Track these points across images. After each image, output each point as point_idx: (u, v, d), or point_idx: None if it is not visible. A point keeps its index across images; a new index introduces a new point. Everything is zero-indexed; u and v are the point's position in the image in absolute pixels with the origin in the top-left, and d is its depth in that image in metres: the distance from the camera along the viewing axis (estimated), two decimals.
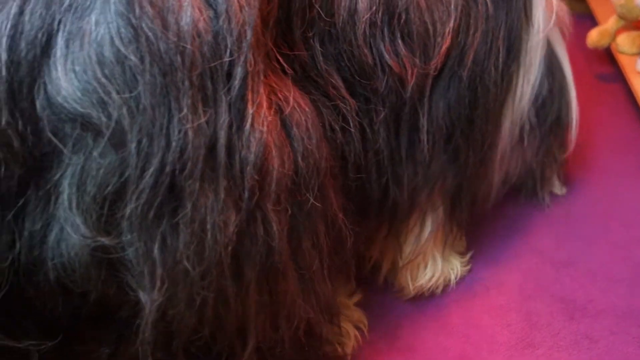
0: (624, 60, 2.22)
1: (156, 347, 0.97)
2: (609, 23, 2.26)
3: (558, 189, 1.90)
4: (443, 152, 1.33)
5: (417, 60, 1.21)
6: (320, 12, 1.10)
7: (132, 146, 0.84)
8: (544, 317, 1.57)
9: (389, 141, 1.25)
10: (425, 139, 1.28)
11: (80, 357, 1.01)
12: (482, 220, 1.75)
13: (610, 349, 1.49)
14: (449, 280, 1.63)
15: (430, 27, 1.22)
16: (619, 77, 2.36)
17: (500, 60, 1.34)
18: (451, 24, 1.24)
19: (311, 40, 1.11)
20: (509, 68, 1.39)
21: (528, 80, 1.49)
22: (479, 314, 1.58)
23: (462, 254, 1.68)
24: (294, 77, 1.07)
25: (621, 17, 2.21)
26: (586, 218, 1.86)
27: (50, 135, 0.83)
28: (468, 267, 1.68)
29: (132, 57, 0.83)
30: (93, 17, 0.83)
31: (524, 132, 1.57)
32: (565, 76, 1.63)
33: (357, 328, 1.48)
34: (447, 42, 1.24)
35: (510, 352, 1.50)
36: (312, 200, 1.03)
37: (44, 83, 0.83)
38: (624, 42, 2.24)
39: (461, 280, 1.66)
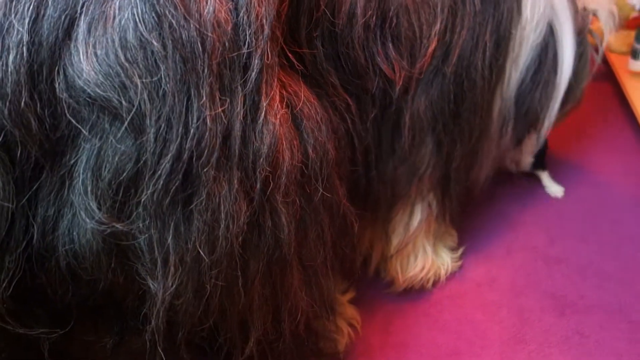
0: (615, 59, 2.24)
1: (162, 337, 0.95)
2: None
3: (554, 190, 1.93)
4: (425, 145, 1.35)
5: (405, 63, 1.23)
6: (327, 12, 1.10)
7: (151, 131, 0.83)
8: (535, 313, 1.58)
9: (375, 137, 1.27)
10: (407, 135, 1.30)
11: (86, 347, 0.99)
12: (474, 217, 1.77)
13: (601, 344, 1.50)
14: (439, 275, 1.63)
15: (417, 29, 1.24)
16: (610, 76, 2.37)
17: (488, 54, 1.35)
18: (437, 26, 1.25)
19: (315, 40, 1.12)
20: (497, 61, 1.40)
21: (516, 66, 1.49)
22: (471, 310, 1.59)
23: (453, 250, 1.69)
24: (303, 73, 1.08)
25: None
26: (577, 215, 1.87)
27: (70, 117, 0.82)
28: (459, 263, 1.68)
29: (155, 43, 0.82)
30: (117, 2, 0.82)
31: (508, 118, 1.58)
32: (559, 66, 1.61)
33: (350, 325, 1.47)
34: (433, 44, 1.26)
35: (502, 348, 1.50)
36: (321, 190, 1.03)
37: (65, 66, 0.82)
38: (615, 41, 2.26)
39: (453, 276, 1.66)
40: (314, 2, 1.08)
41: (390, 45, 1.21)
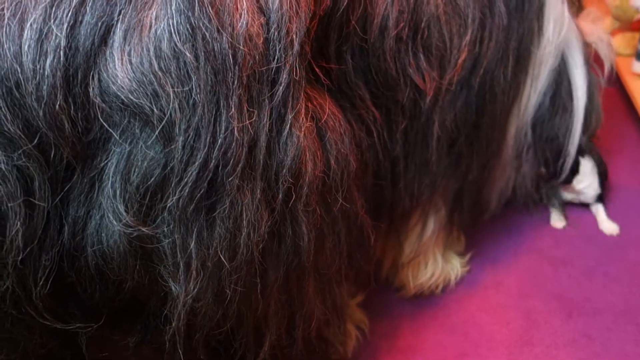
0: (619, 62, 2.21)
1: (181, 339, 0.96)
2: (605, 24, 2.20)
3: (608, 228, 1.83)
4: (446, 156, 1.34)
5: (435, 74, 1.22)
6: (357, 28, 1.10)
7: (180, 139, 0.83)
8: (542, 315, 1.57)
9: (405, 149, 1.26)
10: (434, 146, 1.29)
11: (112, 345, 1.00)
12: (480, 221, 1.74)
13: (608, 346, 1.49)
14: (449, 280, 1.63)
15: (448, 40, 1.23)
16: (614, 79, 2.34)
17: (510, 69, 1.35)
18: (468, 37, 1.25)
19: (345, 54, 1.11)
20: (516, 77, 1.40)
21: (535, 89, 1.49)
22: (478, 313, 1.58)
23: (461, 255, 1.68)
24: (328, 87, 1.07)
25: (616, 18, 2.21)
26: (583, 217, 1.86)
27: (102, 121, 0.82)
28: (467, 268, 1.68)
29: (188, 54, 0.82)
30: (154, 12, 0.82)
31: (524, 142, 1.57)
32: (573, 97, 1.60)
33: (359, 328, 1.47)
34: (463, 55, 1.25)
35: (509, 350, 1.49)
36: (341, 200, 1.03)
37: (100, 71, 0.82)
38: (619, 44, 2.23)
39: (460, 279, 1.66)
40: (344, 18, 1.08)
41: (422, 56, 1.20)
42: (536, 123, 1.56)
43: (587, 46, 1.63)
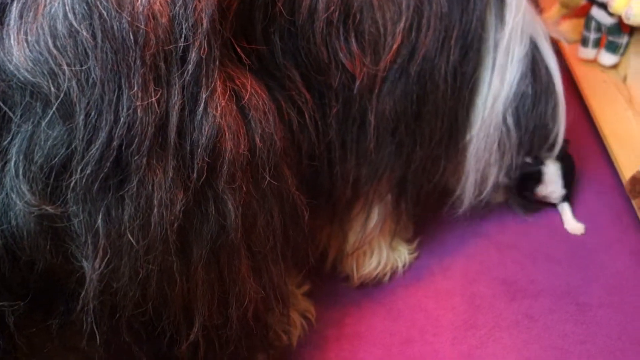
0: (566, 48, 2.16)
1: (102, 320, 0.95)
2: (552, 11, 2.17)
3: (574, 227, 1.76)
4: (388, 145, 1.31)
5: (369, 60, 1.20)
6: (282, 9, 1.08)
7: (80, 118, 0.82)
8: (486, 299, 1.56)
9: (340, 135, 1.24)
10: (372, 134, 1.26)
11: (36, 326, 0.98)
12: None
13: (549, 326, 1.49)
14: (397, 268, 1.60)
15: (381, 26, 1.21)
16: (561, 65, 2.30)
17: (452, 59, 1.31)
18: (402, 24, 1.22)
19: (272, 36, 1.10)
20: (464, 67, 1.36)
21: (502, 79, 1.45)
22: (425, 299, 1.57)
23: (409, 242, 1.65)
24: (251, 67, 1.06)
25: (563, 5, 2.17)
26: None
27: (0, 102, 0.81)
28: (415, 254, 1.66)
29: (85, 33, 0.82)
30: None
31: (503, 134, 1.53)
32: (553, 79, 1.57)
33: (305, 317, 1.45)
34: (397, 42, 1.22)
35: (454, 334, 1.49)
36: (268, 178, 1.02)
37: None
38: (566, 30, 2.16)
39: (408, 266, 1.63)
40: None
41: (354, 40, 1.18)
42: (519, 113, 1.52)
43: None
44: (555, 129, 1.63)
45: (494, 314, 1.53)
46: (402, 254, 1.61)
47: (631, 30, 1.94)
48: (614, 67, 2.04)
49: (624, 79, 1.99)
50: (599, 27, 1.99)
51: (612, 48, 1.99)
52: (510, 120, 1.51)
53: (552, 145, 1.67)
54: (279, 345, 1.36)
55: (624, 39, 1.96)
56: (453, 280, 1.61)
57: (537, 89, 1.52)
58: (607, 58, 2.02)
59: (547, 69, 1.55)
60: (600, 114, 1.86)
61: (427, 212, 1.62)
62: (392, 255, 1.59)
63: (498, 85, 1.45)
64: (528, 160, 1.68)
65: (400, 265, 1.60)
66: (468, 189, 1.58)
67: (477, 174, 1.55)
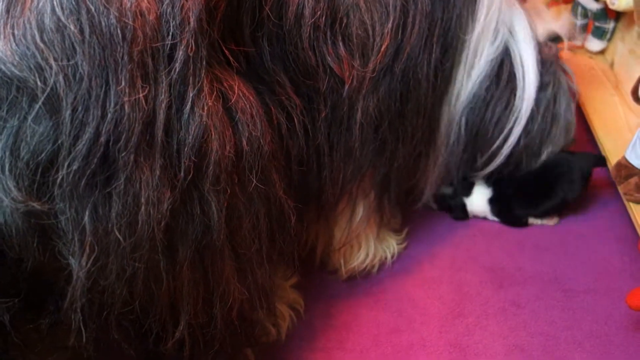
0: None
1: (90, 318, 0.94)
2: None
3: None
4: (371, 142, 1.30)
5: (357, 62, 1.19)
6: (270, 14, 1.07)
7: (67, 113, 0.81)
8: (474, 287, 1.57)
9: (328, 139, 1.23)
10: (357, 133, 1.25)
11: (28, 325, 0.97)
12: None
13: (536, 313, 1.50)
14: (385, 259, 1.60)
15: (369, 28, 1.20)
16: None
17: (434, 56, 1.31)
18: (390, 24, 1.21)
19: (260, 40, 1.09)
20: (443, 65, 1.36)
21: (469, 78, 1.45)
22: (412, 288, 1.57)
23: (397, 232, 1.65)
24: (240, 70, 1.05)
25: None
26: None
27: None
28: (404, 245, 1.65)
29: (72, 27, 0.80)
30: None
31: (456, 134, 1.51)
32: (516, 94, 1.51)
33: (293, 309, 1.45)
34: (386, 42, 1.22)
35: (441, 322, 1.49)
36: (254, 181, 1.01)
37: None
38: (554, 17, 2.18)
39: (396, 256, 1.63)
40: (257, 2, 1.05)
41: (341, 44, 1.17)
42: (468, 115, 1.49)
43: (549, 44, 1.60)
44: (498, 141, 1.56)
45: (481, 301, 1.53)
46: (391, 245, 1.61)
47: (617, 15, 1.95)
48: (601, 52, 2.04)
49: (611, 65, 1.99)
50: (585, 13, 1.99)
51: (599, 34, 1.99)
52: (462, 121, 1.50)
53: (488, 161, 1.60)
54: (266, 340, 1.37)
55: (610, 25, 1.96)
56: (440, 269, 1.62)
57: (492, 93, 1.49)
58: (594, 44, 2.02)
59: (512, 76, 1.50)
60: (587, 99, 1.85)
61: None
62: (380, 247, 1.58)
63: (464, 83, 1.45)
64: (447, 191, 1.68)
65: (389, 255, 1.60)
66: (427, 188, 1.59)
67: (437, 172, 1.56)
